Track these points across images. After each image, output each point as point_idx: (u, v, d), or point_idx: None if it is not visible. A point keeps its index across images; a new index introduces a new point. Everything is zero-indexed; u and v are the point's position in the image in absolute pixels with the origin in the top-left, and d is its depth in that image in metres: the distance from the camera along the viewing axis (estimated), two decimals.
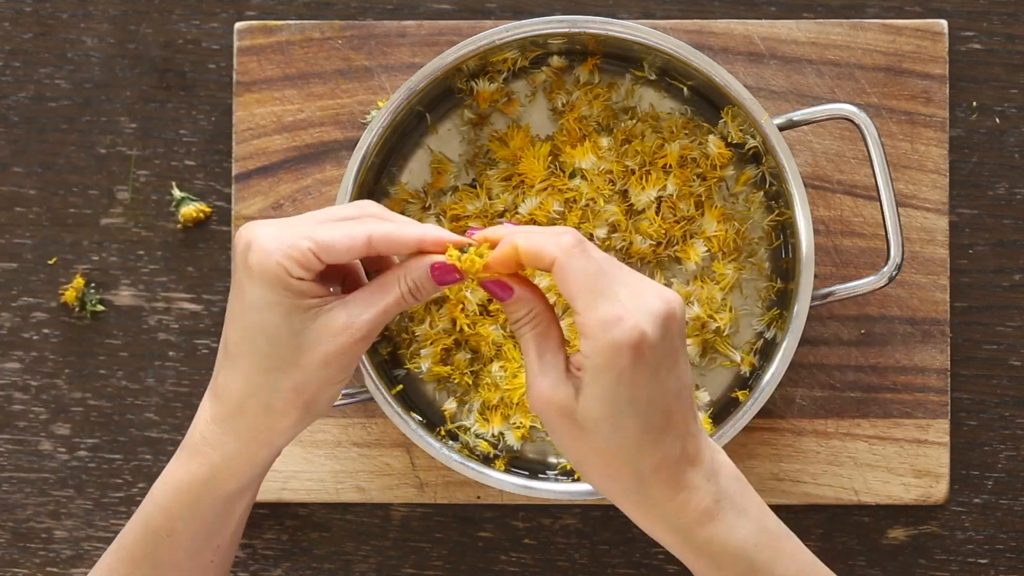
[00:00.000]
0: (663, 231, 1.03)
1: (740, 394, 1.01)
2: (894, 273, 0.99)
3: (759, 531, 0.86)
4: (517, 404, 1.03)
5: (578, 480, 1.01)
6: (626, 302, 0.83)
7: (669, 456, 0.84)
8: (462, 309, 1.03)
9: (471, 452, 1.02)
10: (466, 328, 1.03)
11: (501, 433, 1.03)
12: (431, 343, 1.03)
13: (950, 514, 1.07)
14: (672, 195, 1.02)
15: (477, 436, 1.03)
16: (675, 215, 1.03)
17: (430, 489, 1.06)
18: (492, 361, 1.03)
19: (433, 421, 1.04)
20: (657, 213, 1.03)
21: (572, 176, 1.04)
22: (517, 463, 1.04)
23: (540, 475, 1.02)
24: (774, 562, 0.86)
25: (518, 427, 1.03)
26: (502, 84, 1.04)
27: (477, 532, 1.07)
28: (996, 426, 1.07)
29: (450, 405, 1.04)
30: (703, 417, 1.02)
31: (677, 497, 0.84)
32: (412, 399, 1.04)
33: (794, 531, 1.07)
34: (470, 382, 1.04)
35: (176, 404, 1.08)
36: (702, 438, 0.86)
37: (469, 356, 1.04)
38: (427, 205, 1.04)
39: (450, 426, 1.04)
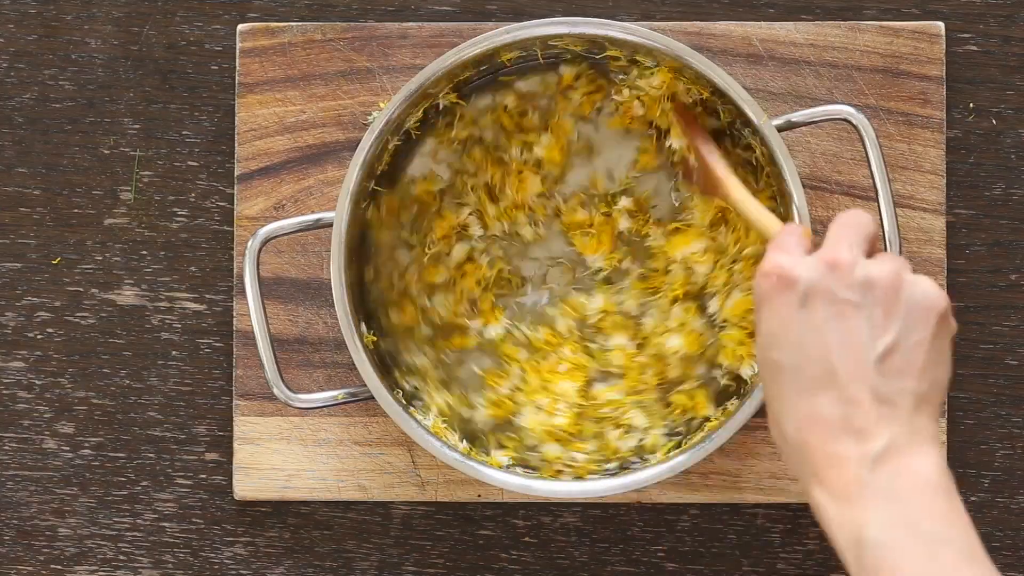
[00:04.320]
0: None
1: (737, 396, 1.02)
2: None
3: (906, 529, 0.81)
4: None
5: (579, 479, 1.02)
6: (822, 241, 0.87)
7: (819, 415, 0.83)
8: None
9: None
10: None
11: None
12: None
13: None
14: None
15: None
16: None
17: (431, 487, 1.06)
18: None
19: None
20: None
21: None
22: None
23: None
24: None
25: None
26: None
27: (477, 530, 1.08)
28: (993, 425, 1.07)
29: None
30: None
31: (818, 462, 0.82)
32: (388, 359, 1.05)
33: (792, 530, 1.07)
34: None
35: (179, 403, 1.08)
36: (888, 425, 0.82)
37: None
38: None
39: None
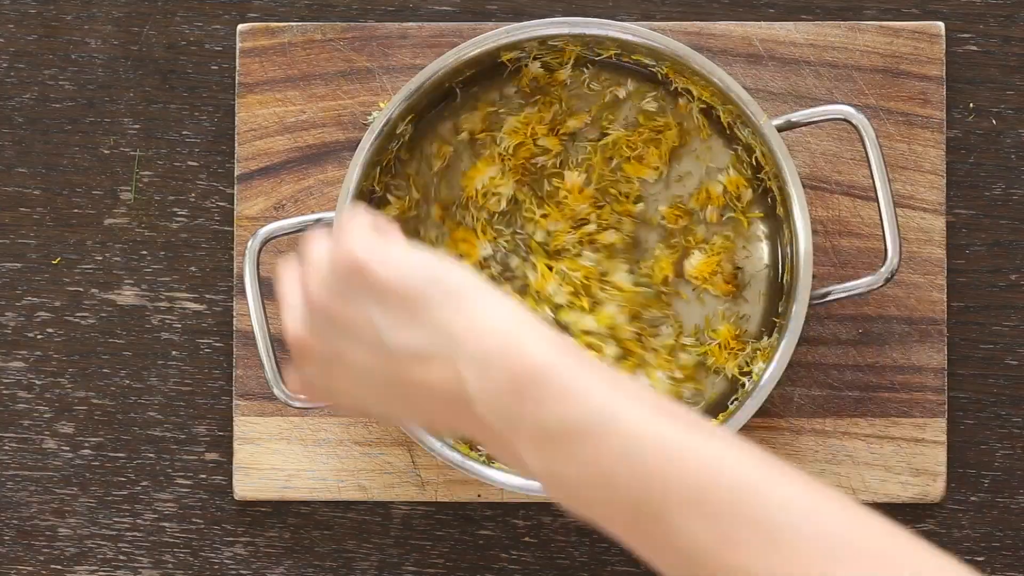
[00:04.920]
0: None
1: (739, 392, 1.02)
2: (891, 273, 0.99)
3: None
4: None
5: None
6: None
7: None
8: None
9: None
10: None
11: None
12: None
13: (947, 512, 1.07)
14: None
15: None
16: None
17: (431, 487, 1.06)
18: None
19: None
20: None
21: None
22: None
23: None
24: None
25: None
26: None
27: (478, 530, 1.08)
28: (993, 425, 1.07)
29: None
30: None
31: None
32: None
33: None
34: None
35: (179, 403, 1.08)
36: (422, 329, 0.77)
37: None
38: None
39: None
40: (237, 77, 1.07)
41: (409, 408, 0.81)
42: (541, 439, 0.74)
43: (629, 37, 1.00)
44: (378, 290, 0.78)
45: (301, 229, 1.01)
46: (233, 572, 1.08)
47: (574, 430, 0.73)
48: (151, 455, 1.08)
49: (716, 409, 1.03)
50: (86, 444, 1.08)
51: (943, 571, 0.68)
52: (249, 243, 1.00)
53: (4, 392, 1.08)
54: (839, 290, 1.00)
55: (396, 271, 0.78)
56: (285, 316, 0.83)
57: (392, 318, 0.78)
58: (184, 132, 1.09)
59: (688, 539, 0.70)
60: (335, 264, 0.79)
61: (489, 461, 1.01)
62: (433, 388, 0.77)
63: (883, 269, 0.99)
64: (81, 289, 1.09)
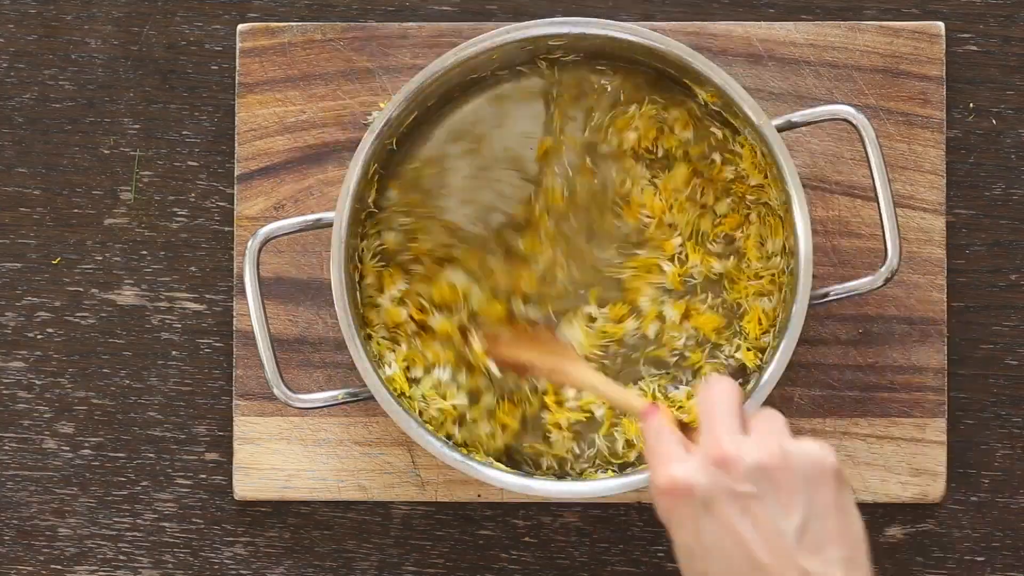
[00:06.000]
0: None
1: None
2: (891, 273, 0.99)
3: None
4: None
5: (577, 479, 1.02)
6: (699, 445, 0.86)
7: None
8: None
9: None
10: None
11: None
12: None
13: (947, 512, 1.07)
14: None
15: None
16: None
17: (431, 487, 1.06)
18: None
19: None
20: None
21: None
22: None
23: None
24: None
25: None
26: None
27: (477, 530, 1.08)
28: (993, 425, 1.07)
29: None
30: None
31: None
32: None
33: None
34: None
35: (179, 403, 1.08)
36: None
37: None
38: None
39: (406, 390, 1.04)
40: (237, 77, 1.07)
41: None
42: None
43: (629, 37, 1.00)
44: (835, 487, 0.84)
45: (301, 229, 1.01)
46: (233, 572, 1.08)
47: None
48: (151, 455, 1.08)
49: None
50: (86, 444, 1.08)
51: None
52: (249, 243, 1.00)
53: (4, 392, 1.08)
54: (839, 290, 1.00)
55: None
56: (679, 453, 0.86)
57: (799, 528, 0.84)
58: (184, 132, 1.09)
59: None
60: (803, 452, 0.85)
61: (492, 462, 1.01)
62: None
63: (883, 269, 0.99)
64: (81, 289, 1.09)
